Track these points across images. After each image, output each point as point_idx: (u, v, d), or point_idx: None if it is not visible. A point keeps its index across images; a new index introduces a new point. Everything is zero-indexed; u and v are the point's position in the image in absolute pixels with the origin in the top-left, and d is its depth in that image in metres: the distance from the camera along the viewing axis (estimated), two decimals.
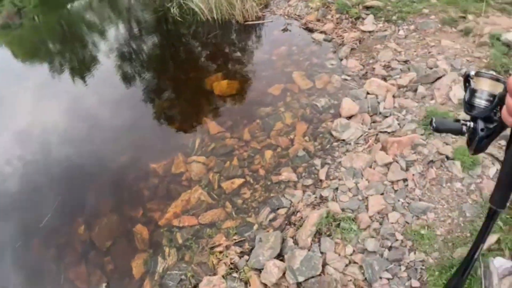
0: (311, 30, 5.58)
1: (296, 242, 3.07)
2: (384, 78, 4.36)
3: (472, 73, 1.00)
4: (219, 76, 5.04)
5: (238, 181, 3.71)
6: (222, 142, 4.14)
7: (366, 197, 3.17)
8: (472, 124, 0.97)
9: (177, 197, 3.71)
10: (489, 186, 3.22)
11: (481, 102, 0.95)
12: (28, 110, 5.45)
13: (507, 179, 0.91)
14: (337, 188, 3.31)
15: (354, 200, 3.18)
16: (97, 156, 4.36)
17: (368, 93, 4.18)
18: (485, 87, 0.95)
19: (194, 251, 3.26)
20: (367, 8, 5.65)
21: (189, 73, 5.45)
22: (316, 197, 3.33)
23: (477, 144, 0.96)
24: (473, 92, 0.96)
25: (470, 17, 5.01)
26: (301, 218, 3.23)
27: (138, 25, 7.28)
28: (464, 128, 0.98)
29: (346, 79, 4.54)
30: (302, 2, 6.30)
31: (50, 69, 6.67)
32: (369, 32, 5.25)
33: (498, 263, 2.70)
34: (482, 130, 0.95)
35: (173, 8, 6.52)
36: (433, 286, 2.70)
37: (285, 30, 5.81)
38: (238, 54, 5.68)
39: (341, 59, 4.88)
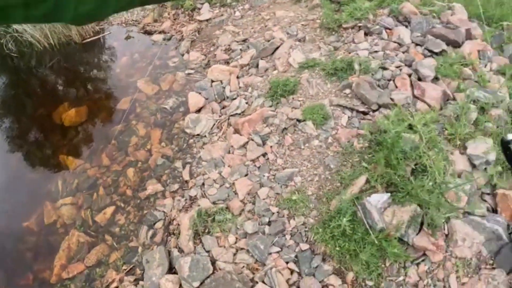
0: (150, 33, 5.41)
1: (181, 250, 3.01)
2: (227, 62, 4.40)
3: (511, 137, 0.83)
4: (65, 106, 4.65)
5: (110, 210, 3.53)
6: (84, 175, 3.86)
7: (233, 183, 3.19)
8: None
9: (58, 248, 3.44)
10: (345, 134, 3.42)
11: None
12: None
13: None
14: (203, 184, 3.28)
15: (222, 190, 3.18)
16: None
17: (212, 81, 4.18)
18: None
19: None
20: None
21: (36, 111, 4.96)
22: (186, 200, 3.27)
23: None
24: None
25: None
26: (178, 225, 3.15)
27: None
28: None
29: (190, 73, 4.49)
30: None
31: None
32: (207, 20, 5.26)
33: (374, 200, 2.84)
34: None
35: (8, 43, 5.85)
36: (321, 242, 2.82)
37: (125, 39, 5.56)
38: (81, 76, 5.32)
39: (183, 54, 4.82)
